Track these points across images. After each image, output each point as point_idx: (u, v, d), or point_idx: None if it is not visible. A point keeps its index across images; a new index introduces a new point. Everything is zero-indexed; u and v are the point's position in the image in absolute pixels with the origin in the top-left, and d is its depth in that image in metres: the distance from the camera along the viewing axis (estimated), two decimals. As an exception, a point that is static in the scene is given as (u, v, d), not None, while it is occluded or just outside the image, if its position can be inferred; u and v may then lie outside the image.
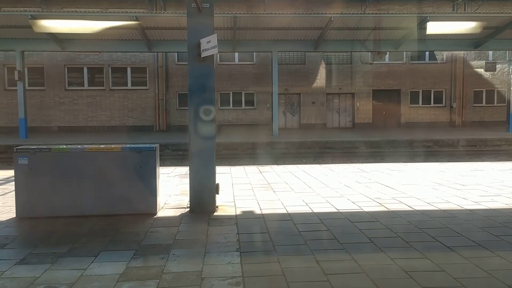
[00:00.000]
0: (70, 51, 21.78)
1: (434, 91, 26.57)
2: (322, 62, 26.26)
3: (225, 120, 26.06)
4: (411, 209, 5.63)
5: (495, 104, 26.69)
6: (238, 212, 5.53)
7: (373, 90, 26.41)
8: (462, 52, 23.76)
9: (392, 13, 21.12)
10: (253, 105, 26.45)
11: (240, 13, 18.89)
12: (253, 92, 26.34)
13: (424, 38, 20.57)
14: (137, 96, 25.84)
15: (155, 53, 24.63)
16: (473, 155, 15.57)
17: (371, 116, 26.55)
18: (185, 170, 9.30)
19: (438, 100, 26.70)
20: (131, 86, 25.88)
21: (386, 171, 9.05)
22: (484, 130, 22.74)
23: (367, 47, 21.73)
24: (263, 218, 5.18)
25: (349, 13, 19.93)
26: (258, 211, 5.55)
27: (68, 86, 25.57)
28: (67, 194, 5.19)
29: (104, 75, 25.63)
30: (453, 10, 24.91)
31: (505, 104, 24.02)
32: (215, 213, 5.44)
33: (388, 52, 24.66)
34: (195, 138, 5.42)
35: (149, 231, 4.69)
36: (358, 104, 26.50)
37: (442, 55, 26.17)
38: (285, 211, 5.53)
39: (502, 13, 19.38)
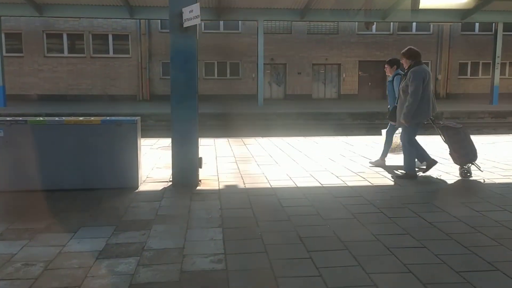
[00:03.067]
0: (49, 17, 21.00)
1: (420, 62, 26.50)
2: (309, 32, 25.92)
3: (210, 90, 25.72)
4: (393, 183, 5.64)
5: (480, 76, 26.82)
6: (222, 186, 5.47)
7: (359, 61, 26.30)
8: (449, 23, 23.59)
9: None
10: (238, 75, 26.16)
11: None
12: (238, 62, 26.00)
13: (412, 9, 20.39)
14: (120, 64, 25.31)
15: (138, 20, 23.99)
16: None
17: (357, 87, 26.52)
18: (168, 141, 9.14)
19: (423, 71, 26.68)
20: (113, 54, 25.33)
21: (370, 144, 9.05)
22: (468, 103, 22.90)
23: (354, 17, 21.46)
24: (246, 193, 5.13)
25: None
26: (241, 186, 5.50)
27: (47, 53, 24.90)
28: (45, 168, 5.05)
29: (84, 42, 24.97)
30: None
31: (490, 77, 24.15)
32: (198, 187, 5.37)
33: (375, 23, 24.46)
34: (177, 110, 5.29)
35: (130, 206, 4.60)
36: (344, 75, 26.40)
37: (429, 26, 26.01)
38: (268, 186, 5.49)
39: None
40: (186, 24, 5.09)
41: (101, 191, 5.07)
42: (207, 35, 25.41)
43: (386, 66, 6.57)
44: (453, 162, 6.14)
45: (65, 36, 24.94)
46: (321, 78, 26.67)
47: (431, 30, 26.23)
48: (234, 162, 7.08)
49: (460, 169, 5.93)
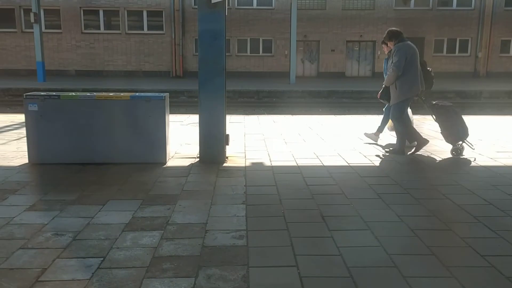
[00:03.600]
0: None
1: (459, 39, 25.57)
2: (344, 7, 25.31)
3: (242, 67, 25.68)
4: (422, 164, 5.52)
5: (524, 55, 25.66)
6: (248, 163, 5.50)
7: (395, 38, 25.48)
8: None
9: None
10: (271, 52, 25.93)
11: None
12: (271, 39, 25.75)
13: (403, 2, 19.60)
14: (154, 40, 25.51)
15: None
16: (494, 108, 15.12)
17: (392, 65, 25.79)
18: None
19: (463, 49, 25.77)
20: (147, 30, 25.52)
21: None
22: (510, 82, 21.98)
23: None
24: (272, 171, 5.15)
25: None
26: (267, 163, 5.51)
27: (84, 29, 25.32)
28: (77, 142, 5.21)
29: (120, 19, 25.23)
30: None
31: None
32: (225, 164, 5.42)
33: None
34: (204, 87, 5.31)
35: (158, 180, 4.70)
36: (379, 53, 25.72)
37: (471, 1, 24.91)
38: (295, 164, 5.48)
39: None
40: (214, 0, 5.06)
41: (130, 166, 5.19)
42: (241, 11, 25.26)
43: (383, 45, 6.32)
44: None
45: (101, 13, 25.27)
46: (355, 56, 26.12)
47: (473, 5, 25.13)
48: (262, 139, 7.09)
49: (452, 148, 5.93)
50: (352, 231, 3.41)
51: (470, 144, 5.97)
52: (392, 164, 5.55)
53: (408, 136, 6.03)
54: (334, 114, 10.91)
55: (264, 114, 11.51)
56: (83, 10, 25.07)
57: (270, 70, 25.59)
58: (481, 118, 9.86)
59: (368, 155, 5.97)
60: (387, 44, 6.20)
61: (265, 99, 17.59)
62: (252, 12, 25.36)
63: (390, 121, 6.52)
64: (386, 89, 6.10)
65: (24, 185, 4.50)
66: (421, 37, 25.41)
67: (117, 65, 25.54)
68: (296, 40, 25.22)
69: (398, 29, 5.85)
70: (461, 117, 5.85)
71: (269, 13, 25.44)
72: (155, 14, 25.41)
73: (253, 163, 5.51)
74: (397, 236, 3.32)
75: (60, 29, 25.10)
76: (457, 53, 25.79)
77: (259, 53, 25.98)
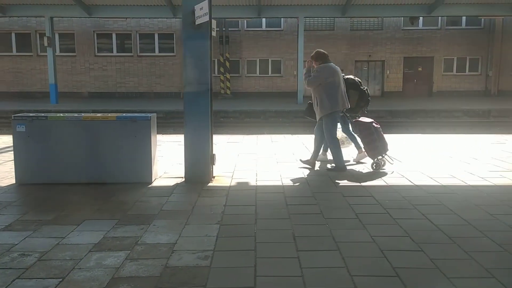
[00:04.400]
0: (97, 17, 21.92)
1: (469, 58, 25.41)
2: (352, 28, 25.43)
3: (252, 88, 25.86)
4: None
5: (535, 73, 25.32)
6: (233, 183, 5.50)
7: (404, 57, 25.49)
8: (502, 16, 22.40)
9: None
10: (280, 73, 26.08)
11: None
12: (280, 60, 25.93)
13: (459, 3, 19.59)
14: (164, 62, 25.90)
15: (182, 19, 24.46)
16: (499, 126, 14.87)
17: (401, 85, 25.74)
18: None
19: (473, 68, 25.57)
20: (159, 52, 25.94)
21: (401, 142, 8.76)
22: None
23: (397, 12, 20.90)
24: (255, 190, 5.13)
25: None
26: (253, 183, 5.50)
27: (97, 52, 25.87)
28: (64, 162, 5.29)
29: (132, 42, 25.74)
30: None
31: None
32: (210, 184, 5.43)
33: (421, 18, 23.68)
34: (190, 107, 5.37)
35: (139, 200, 4.73)
36: (388, 72, 25.70)
37: (480, 20, 24.79)
38: (280, 183, 5.46)
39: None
40: (198, 22, 5.15)
41: (115, 186, 5.23)
42: (250, 33, 25.57)
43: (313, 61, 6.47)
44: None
45: (114, 36, 25.82)
46: (364, 75, 26.07)
47: (482, 24, 25.00)
48: (254, 159, 7.08)
49: (372, 162, 6.19)
50: (320, 252, 3.37)
51: (390, 159, 6.27)
52: (378, 183, 5.48)
53: (337, 156, 6.20)
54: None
55: (265, 133, 11.52)
56: (97, 34, 25.66)
57: (279, 91, 25.69)
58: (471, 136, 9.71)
59: (355, 174, 5.92)
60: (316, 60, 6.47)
61: (271, 119, 17.63)
62: (261, 34, 25.64)
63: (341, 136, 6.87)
64: (310, 107, 6.45)
65: (5, 205, 4.56)
66: (430, 56, 25.36)
67: (129, 87, 25.95)
68: (305, 61, 25.42)
69: (324, 52, 6.27)
70: (380, 133, 6.16)
71: (278, 34, 25.69)
72: (166, 37, 25.86)
73: (238, 183, 5.51)
74: (365, 257, 3.26)
75: (75, 52, 25.68)
76: (467, 72, 25.58)
77: (268, 74, 26.14)
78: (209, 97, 5.37)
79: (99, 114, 5.45)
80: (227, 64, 25.20)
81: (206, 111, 5.37)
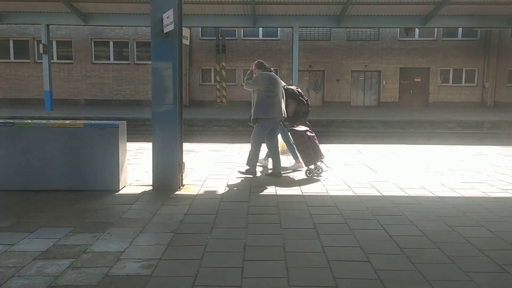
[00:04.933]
0: (93, 25, 22.06)
1: (465, 69, 25.42)
2: (348, 38, 25.50)
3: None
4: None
5: (532, 85, 25.30)
6: (201, 191, 5.48)
7: (400, 68, 25.53)
8: (496, 28, 22.44)
9: None
10: (277, 82, 26.07)
11: (257, -14, 18.47)
12: (276, 69, 25.91)
13: (454, 14, 19.62)
14: (161, 70, 25.96)
15: (186, 28, 24.56)
16: (491, 138, 14.81)
17: (397, 95, 25.74)
18: (189, 147, 9.36)
19: (469, 79, 25.57)
20: (155, 60, 25.99)
21: (383, 153, 8.74)
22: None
23: (392, 23, 20.97)
24: (221, 199, 5.11)
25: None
26: (221, 191, 5.48)
27: (94, 59, 26.00)
28: (31, 169, 5.29)
29: (129, 49, 25.87)
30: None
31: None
32: (178, 192, 5.41)
33: (417, 29, 23.74)
34: (158, 115, 5.37)
35: (101, 208, 4.71)
36: (384, 82, 25.72)
37: (476, 31, 24.82)
38: (247, 193, 5.44)
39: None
40: (165, 30, 5.17)
41: (81, 193, 5.22)
42: (246, 42, 25.70)
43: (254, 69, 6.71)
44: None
45: (111, 44, 25.97)
46: (360, 85, 26.12)
47: (478, 36, 25.04)
48: (230, 167, 7.07)
49: (305, 169, 6.41)
50: (266, 262, 3.34)
51: (324, 166, 6.50)
52: (345, 193, 5.45)
53: (253, 159, 6.41)
54: (321, 143, 10.79)
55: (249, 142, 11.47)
56: (94, 42, 25.81)
57: (275, 100, 25.68)
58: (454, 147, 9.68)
59: (327, 184, 5.89)
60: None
61: (263, 128, 17.60)
62: (258, 43, 25.75)
63: (281, 145, 7.09)
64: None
65: (-34, 211, 4.56)
66: (427, 67, 25.39)
67: (126, 94, 26.04)
68: (302, 70, 25.56)
69: (264, 62, 6.56)
70: (314, 141, 6.37)
71: (274, 44, 25.80)
72: (163, 45, 25.95)
73: (206, 191, 5.49)
74: (309, 267, 3.23)
75: (72, 59, 25.82)
76: (463, 83, 25.58)
77: (264, 83, 26.15)
78: (178, 106, 5.37)
79: (67, 121, 5.45)
80: (224, 73, 25.28)
81: (174, 120, 5.37)
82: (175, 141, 5.40)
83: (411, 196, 5.27)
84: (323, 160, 6.46)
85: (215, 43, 25.32)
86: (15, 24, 23.59)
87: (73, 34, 25.40)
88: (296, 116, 6.90)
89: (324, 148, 9.24)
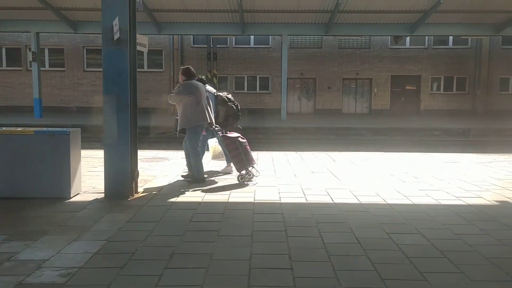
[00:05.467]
0: (82, 33, 22.14)
1: (456, 77, 25.43)
2: (340, 46, 25.56)
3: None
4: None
5: (523, 92, 25.27)
6: (154, 199, 5.46)
7: (391, 75, 25.55)
8: (484, 36, 22.47)
9: None
10: (268, 89, 26.16)
11: (244, -6, 18.55)
12: (268, 76, 26.04)
13: (442, 22, 19.68)
14: (153, 78, 26.06)
15: (171, 35, 24.69)
16: (474, 145, 14.76)
17: (388, 103, 25.74)
18: (164, 154, 9.36)
19: (460, 87, 25.57)
20: (147, 68, 26.12)
21: (355, 160, 8.71)
22: (507, 120, 21.50)
23: (380, 31, 21.03)
24: (169, 207, 5.09)
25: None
26: (172, 199, 5.46)
27: (86, 67, 26.09)
28: (-20, 176, 5.27)
29: (121, 57, 25.93)
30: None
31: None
32: (129, 199, 5.39)
33: (408, 37, 23.81)
34: (109, 123, 5.37)
35: (44, 216, 4.68)
36: (375, 90, 25.74)
37: (467, 40, 24.85)
38: (199, 200, 5.41)
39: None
40: (115, 37, 5.18)
41: (29, 201, 5.19)
42: (238, 50, 25.78)
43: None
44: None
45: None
46: (351, 93, 26.14)
47: (469, 44, 25.07)
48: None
49: (237, 174, 6.52)
50: (186, 269, 3.31)
51: (255, 172, 6.67)
52: (294, 200, 5.42)
53: (197, 167, 6.46)
54: (311, 151, 10.70)
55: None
56: (86, 49, 25.92)
57: (267, 107, 25.73)
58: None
59: (283, 192, 5.86)
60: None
61: (250, 136, 17.57)
62: (250, 51, 25.81)
63: (215, 149, 7.23)
64: (177, 123, 6.73)
65: None
66: (417, 75, 25.41)
67: (117, 102, 26.05)
68: (293, 78, 25.63)
69: (190, 68, 6.62)
70: (246, 147, 6.52)
71: (266, 52, 25.86)
72: (155, 53, 26.05)
73: (159, 199, 5.47)
74: (228, 275, 3.21)
75: (64, 67, 25.92)
76: (454, 91, 25.58)
77: (256, 91, 26.25)
78: (129, 113, 5.36)
79: (19, 128, 5.45)
80: (215, 80, 25.32)
81: (126, 127, 5.36)
82: (127, 149, 5.38)
83: (361, 204, 5.24)
84: (254, 165, 6.65)
85: (206, 51, 25.40)
86: (6, 32, 23.67)
87: (65, 42, 25.51)
88: (226, 121, 7.17)
89: (299, 156, 9.26)
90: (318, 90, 26.04)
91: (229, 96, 7.39)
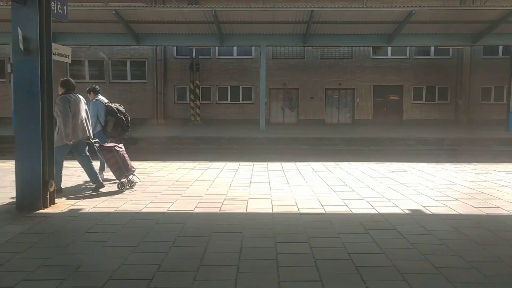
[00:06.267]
0: (62, 44, 22.15)
1: (438, 87, 25.47)
2: (322, 56, 25.63)
3: (223, 115, 25.96)
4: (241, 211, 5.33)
5: (505, 102, 25.17)
6: (66, 210, 5.41)
7: (374, 85, 25.59)
8: (461, 46, 22.56)
9: (372, 8, 19.62)
10: (251, 100, 26.18)
11: (218, 6, 18.68)
12: (251, 87, 26.08)
13: (418, 33, 19.76)
14: (136, 89, 26.12)
15: (154, 47, 24.78)
16: (443, 155, 14.70)
17: (371, 113, 25.74)
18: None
19: (443, 97, 25.59)
20: (131, 79, 26.21)
21: (306, 170, 8.63)
22: (487, 129, 21.48)
23: (358, 42, 21.12)
24: (74, 218, 5.04)
25: (329, 7, 19.14)
26: (87, 210, 5.40)
27: (70, 78, 26.12)
28: None
29: (104, 68, 26.07)
30: (461, 2, 23.71)
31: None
32: (40, 211, 5.33)
33: (390, 47, 23.91)
34: (20, 132, 5.35)
35: None
36: (358, 100, 25.75)
37: (449, 50, 24.89)
38: (111, 210, 5.36)
39: (499, 6, 18.25)
40: (21, 47, 5.18)
41: None
42: (221, 61, 25.86)
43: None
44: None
45: (86, 63, 26.19)
46: (334, 103, 26.15)
47: (451, 54, 25.12)
48: (143, 184, 6.99)
49: (117, 183, 6.65)
50: (41, 282, 3.26)
51: (137, 177, 6.95)
52: (207, 210, 5.37)
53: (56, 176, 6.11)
54: (274, 161, 10.61)
55: (200, 161, 11.41)
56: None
57: (250, 118, 25.69)
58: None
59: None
60: (89, 93, 7.56)
61: (225, 146, 17.57)
62: (233, 61, 25.90)
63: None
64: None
65: None
66: (400, 85, 25.44)
67: (100, 113, 26.07)
68: (276, 88, 25.70)
69: (68, 80, 6.61)
70: (123, 155, 6.67)
71: (249, 62, 25.92)
72: (138, 64, 26.16)
73: (71, 210, 5.41)
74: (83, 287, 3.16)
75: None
76: (437, 101, 25.59)
77: (239, 101, 26.27)
78: (39, 124, 5.33)
79: None
80: (197, 91, 25.38)
81: (36, 137, 5.33)
82: (38, 159, 5.34)
83: (272, 213, 5.18)
84: (134, 173, 6.82)
85: (189, 61, 25.48)
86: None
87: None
88: (115, 131, 7.30)
89: (262, 166, 9.17)
90: (301, 101, 26.06)
91: (120, 107, 7.55)
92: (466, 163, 9.76)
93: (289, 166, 9.17)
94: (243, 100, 26.27)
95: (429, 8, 18.36)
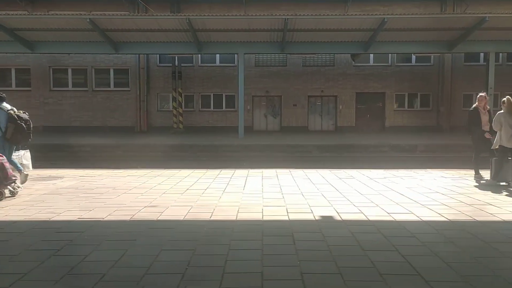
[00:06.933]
0: (40, 53, 22.33)
1: (420, 94, 25.51)
2: (304, 64, 25.70)
3: (205, 122, 25.98)
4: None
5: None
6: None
7: (356, 92, 25.62)
8: (436, 54, 22.65)
9: (346, 15, 19.65)
10: (234, 107, 26.19)
11: (192, 15, 18.74)
12: (234, 94, 26.08)
13: (393, 40, 19.82)
14: (119, 97, 26.15)
15: (137, 55, 24.83)
16: (417, 161, 14.68)
17: (354, 120, 25.75)
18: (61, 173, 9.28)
19: (424, 103, 25.62)
20: (114, 87, 26.24)
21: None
22: (467, 136, 21.40)
23: (335, 50, 21.18)
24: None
25: (303, 15, 19.17)
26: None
27: (53, 87, 26.20)
28: None
29: (87, 76, 26.12)
30: (442, 10, 23.83)
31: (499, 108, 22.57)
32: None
33: (372, 55, 24.02)
34: None
35: None
36: (340, 107, 25.77)
37: (430, 57, 24.95)
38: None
39: (471, 13, 18.32)
40: None
41: None
42: (204, 68, 25.91)
43: None
44: None
45: (69, 71, 26.25)
46: (317, 110, 26.17)
47: (432, 61, 25.18)
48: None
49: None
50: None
51: (19, 186, 6.98)
52: (147, 217, 5.34)
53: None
54: (242, 168, 10.60)
55: (165, 168, 11.37)
56: (52, 69, 26.08)
57: (233, 125, 25.62)
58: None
59: (155, 204, 5.78)
60: None
61: (198, 153, 17.55)
62: (215, 69, 25.95)
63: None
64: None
65: None
66: (382, 92, 25.48)
67: (83, 121, 26.12)
68: (259, 96, 25.76)
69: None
70: (3, 164, 6.48)
71: (231, 70, 25.94)
72: (121, 72, 26.19)
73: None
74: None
75: (30, 87, 26.04)
76: (419, 108, 25.61)
77: (222, 108, 26.29)
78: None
79: None
80: (180, 99, 25.40)
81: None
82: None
83: (209, 221, 5.16)
84: (16, 181, 6.84)
85: (171, 69, 25.53)
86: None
87: (31, 62, 25.66)
88: (15, 138, 7.40)
89: (214, 173, 9.15)
90: (284, 108, 26.08)
91: (22, 115, 7.57)
92: (420, 169, 9.73)
93: (240, 173, 9.15)
94: (226, 108, 26.29)
95: (402, 16, 18.43)
